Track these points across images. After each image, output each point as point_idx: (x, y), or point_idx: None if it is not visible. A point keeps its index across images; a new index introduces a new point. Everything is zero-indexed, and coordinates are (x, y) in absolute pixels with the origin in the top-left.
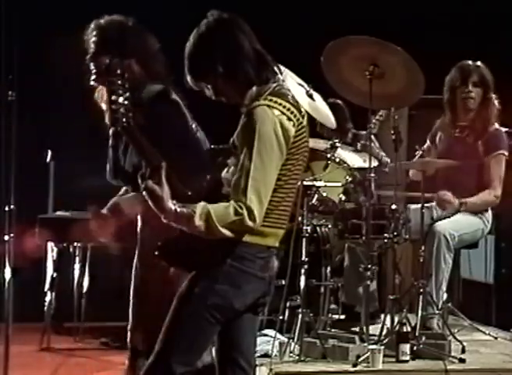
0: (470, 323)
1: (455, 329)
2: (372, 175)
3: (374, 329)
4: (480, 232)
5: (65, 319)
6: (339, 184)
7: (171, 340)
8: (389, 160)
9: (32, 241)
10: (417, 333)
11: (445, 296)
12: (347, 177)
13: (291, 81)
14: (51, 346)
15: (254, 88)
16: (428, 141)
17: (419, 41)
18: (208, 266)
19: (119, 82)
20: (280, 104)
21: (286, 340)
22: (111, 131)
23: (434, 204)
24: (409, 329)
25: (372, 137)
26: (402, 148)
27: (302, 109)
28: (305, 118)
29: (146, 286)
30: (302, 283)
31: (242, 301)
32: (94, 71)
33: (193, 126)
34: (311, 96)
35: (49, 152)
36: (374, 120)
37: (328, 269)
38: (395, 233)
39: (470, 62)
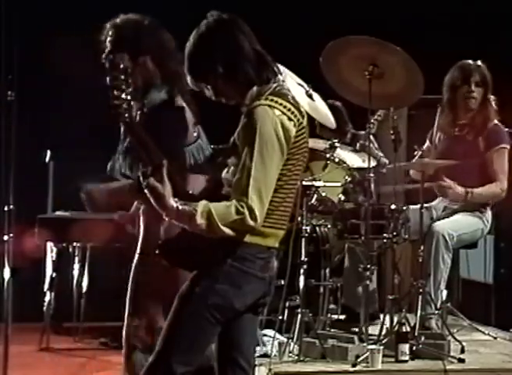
0: (469, 323)
1: (454, 329)
2: (371, 175)
3: (373, 329)
4: (479, 232)
5: (65, 319)
6: (339, 184)
7: (171, 339)
8: (387, 161)
9: (31, 240)
10: (416, 333)
11: (444, 296)
12: (346, 177)
13: (291, 81)
14: (50, 346)
15: (255, 88)
16: (427, 142)
17: (419, 41)
18: (209, 265)
19: (122, 77)
20: (281, 104)
21: (285, 340)
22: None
23: (434, 204)
24: (408, 329)
25: (371, 137)
26: (401, 148)
27: (302, 109)
28: (305, 118)
29: (145, 283)
30: (301, 283)
31: (242, 302)
32: (123, 55)
33: (195, 133)
34: (310, 96)
35: (48, 152)
36: (372, 120)
37: (328, 269)
38: (394, 234)
39: (470, 61)
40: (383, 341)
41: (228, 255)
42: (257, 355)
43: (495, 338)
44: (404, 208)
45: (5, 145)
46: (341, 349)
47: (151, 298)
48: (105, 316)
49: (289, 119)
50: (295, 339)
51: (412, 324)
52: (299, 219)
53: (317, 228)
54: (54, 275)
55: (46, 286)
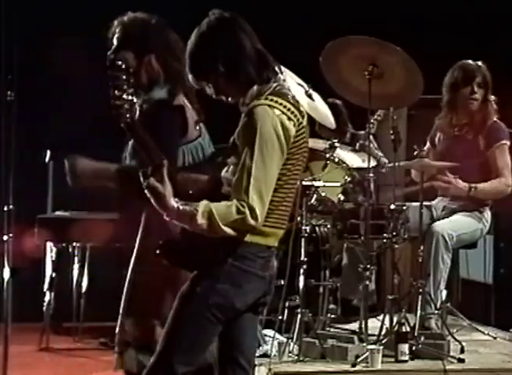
0: (469, 323)
1: (454, 329)
2: (371, 175)
3: (372, 328)
4: (479, 232)
5: (64, 319)
6: (338, 184)
7: (173, 340)
8: (386, 161)
9: (31, 241)
10: (416, 333)
11: (444, 296)
12: (346, 177)
13: (290, 81)
14: (50, 346)
15: (255, 88)
16: (428, 143)
17: (419, 41)
18: (210, 265)
19: (124, 77)
20: (281, 104)
21: (285, 340)
22: None
23: (434, 203)
24: (408, 329)
25: (371, 137)
26: (401, 148)
27: (302, 109)
28: (305, 118)
29: (143, 281)
30: (301, 283)
31: (243, 301)
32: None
33: (196, 132)
34: (310, 96)
35: (48, 152)
36: (372, 120)
37: (327, 269)
38: (394, 234)
39: (471, 61)
40: (383, 341)
41: (229, 254)
42: (256, 354)
43: (494, 338)
44: (404, 208)
45: (5, 145)
46: (341, 349)
47: (149, 297)
48: (105, 316)
49: (289, 118)
50: (295, 339)
51: (412, 324)
52: (298, 219)
53: (316, 228)
54: (53, 275)
55: (46, 286)
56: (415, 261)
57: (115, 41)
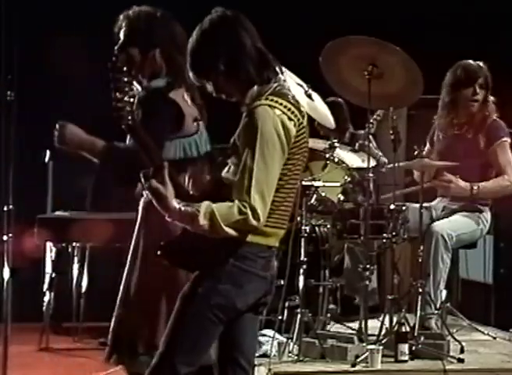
0: (468, 323)
1: (454, 329)
2: (371, 175)
3: (372, 328)
4: (478, 232)
5: (64, 319)
6: (338, 184)
7: (174, 340)
8: (386, 160)
9: (31, 241)
10: (415, 333)
11: (444, 296)
12: (346, 177)
13: (290, 81)
14: (49, 346)
15: (255, 88)
16: (428, 144)
17: (419, 41)
18: (211, 265)
19: (125, 80)
20: (281, 104)
21: (284, 340)
22: None
23: (433, 203)
24: (408, 329)
25: (370, 136)
26: (401, 148)
27: (302, 109)
28: (305, 118)
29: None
30: (301, 283)
31: (244, 301)
32: (125, 57)
33: (193, 128)
34: (309, 96)
35: (48, 152)
36: (371, 120)
37: (327, 269)
38: (393, 234)
39: (472, 61)
40: (383, 341)
41: (230, 254)
42: (256, 355)
43: (494, 338)
44: (404, 208)
45: (5, 145)
46: (340, 349)
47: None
48: (105, 316)
49: (290, 118)
50: (294, 339)
51: (412, 324)
52: (298, 219)
53: (316, 228)
54: (53, 275)
55: (45, 286)
56: (415, 261)
57: (121, 36)
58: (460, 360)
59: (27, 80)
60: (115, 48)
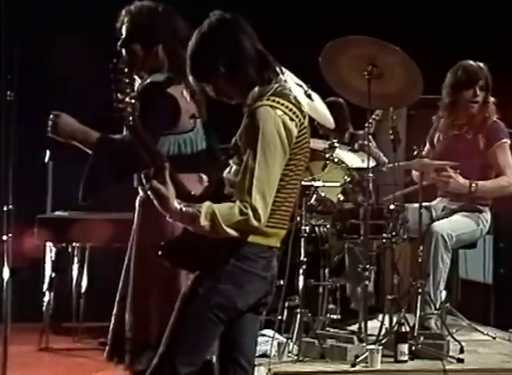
0: (468, 323)
1: (453, 329)
2: (370, 175)
3: (372, 328)
4: (478, 232)
5: (64, 320)
6: (338, 184)
7: (175, 340)
8: (386, 160)
9: (30, 241)
10: (415, 334)
11: (443, 296)
12: (346, 177)
13: (290, 81)
14: (49, 346)
15: (256, 89)
16: (427, 144)
17: (419, 41)
18: (212, 265)
19: (126, 81)
20: (282, 104)
21: (284, 340)
22: None
23: (433, 203)
24: (407, 329)
25: (370, 136)
26: (400, 147)
27: (303, 109)
28: (307, 118)
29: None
30: (300, 283)
31: (244, 301)
32: (126, 57)
33: (190, 126)
34: (309, 96)
35: (48, 152)
36: (370, 120)
37: (327, 269)
38: (393, 234)
39: (472, 62)
40: (382, 341)
41: (230, 254)
42: (256, 354)
43: (494, 338)
44: (404, 208)
45: (5, 145)
46: (340, 349)
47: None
48: (105, 316)
49: (291, 119)
50: (294, 339)
51: (411, 324)
52: (298, 219)
53: (316, 228)
54: (53, 275)
55: (45, 286)
56: (415, 261)
57: (123, 32)
58: (460, 360)
59: (27, 80)
60: (118, 44)
